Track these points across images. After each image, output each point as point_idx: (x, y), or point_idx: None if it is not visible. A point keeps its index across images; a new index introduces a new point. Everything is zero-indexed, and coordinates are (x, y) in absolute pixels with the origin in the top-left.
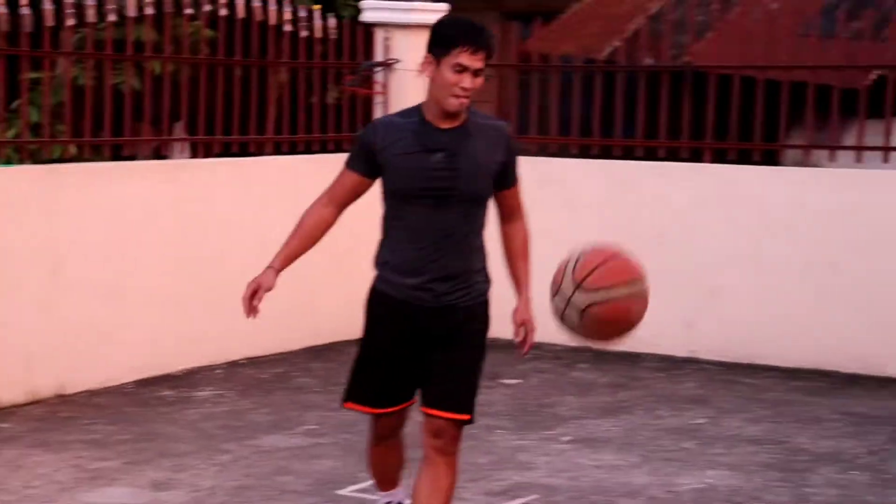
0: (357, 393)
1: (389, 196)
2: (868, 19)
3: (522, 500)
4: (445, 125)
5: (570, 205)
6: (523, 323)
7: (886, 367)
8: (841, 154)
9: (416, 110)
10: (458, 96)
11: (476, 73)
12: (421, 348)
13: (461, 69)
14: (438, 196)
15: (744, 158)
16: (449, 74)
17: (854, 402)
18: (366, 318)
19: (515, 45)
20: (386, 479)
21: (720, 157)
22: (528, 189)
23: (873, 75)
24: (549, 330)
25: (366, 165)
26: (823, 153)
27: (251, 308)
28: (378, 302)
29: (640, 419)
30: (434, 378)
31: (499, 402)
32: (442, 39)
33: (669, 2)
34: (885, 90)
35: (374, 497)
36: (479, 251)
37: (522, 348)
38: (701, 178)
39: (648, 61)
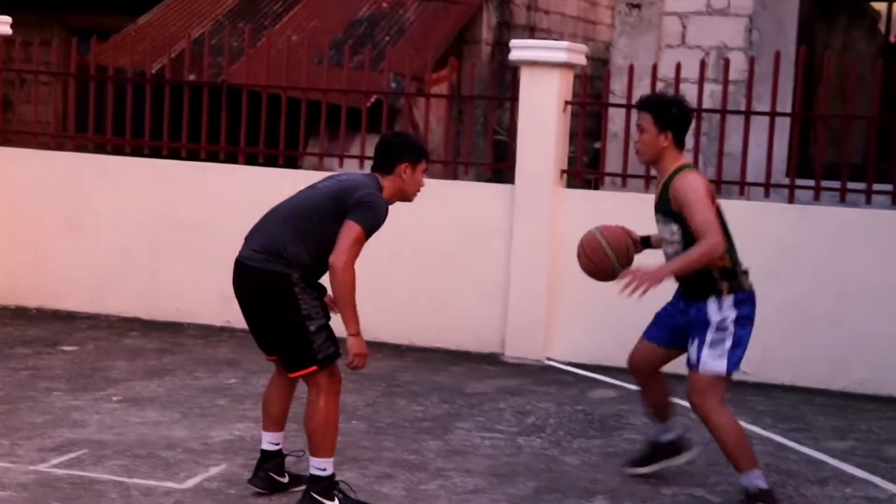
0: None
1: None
2: (367, 54)
3: (73, 454)
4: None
5: (123, 195)
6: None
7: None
8: (347, 162)
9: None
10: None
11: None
12: None
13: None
14: None
15: (270, 162)
16: (420, 177)
17: None
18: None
19: (76, 58)
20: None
21: (252, 160)
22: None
23: (372, 99)
24: (106, 303)
25: None
26: (334, 160)
27: None
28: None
29: (180, 380)
30: None
31: (57, 366)
32: (419, 152)
33: (209, 28)
34: (381, 111)
35: None
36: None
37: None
38: (234, 175)
39: (191, 77)
